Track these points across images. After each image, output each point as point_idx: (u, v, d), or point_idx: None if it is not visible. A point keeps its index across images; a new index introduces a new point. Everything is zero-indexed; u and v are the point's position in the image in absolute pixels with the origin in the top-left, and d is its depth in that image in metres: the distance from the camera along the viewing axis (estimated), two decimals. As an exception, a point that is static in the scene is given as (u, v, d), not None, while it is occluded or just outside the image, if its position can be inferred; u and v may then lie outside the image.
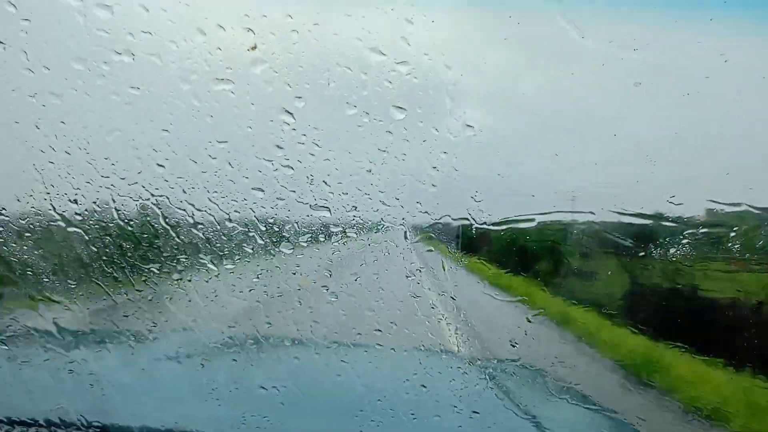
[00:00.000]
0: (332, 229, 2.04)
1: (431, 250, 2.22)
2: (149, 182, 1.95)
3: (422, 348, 2.27)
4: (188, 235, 2.09)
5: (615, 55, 1.67)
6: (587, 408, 2.11)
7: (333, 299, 2.15)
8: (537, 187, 2.09)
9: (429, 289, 2.31)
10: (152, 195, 1.97)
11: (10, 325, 2.21)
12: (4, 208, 2.07)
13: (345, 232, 2.01)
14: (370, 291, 2.24)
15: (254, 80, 1.76)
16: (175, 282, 2.19)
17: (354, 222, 2.03)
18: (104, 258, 2.14)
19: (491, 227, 2.02)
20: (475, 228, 2.00)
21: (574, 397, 2.11)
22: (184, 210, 2.00)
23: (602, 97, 1.93)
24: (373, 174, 1.85)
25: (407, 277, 2.25)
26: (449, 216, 2.04)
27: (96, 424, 1.93)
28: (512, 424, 2.05)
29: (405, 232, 2.19)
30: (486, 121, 1.89)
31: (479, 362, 2.23)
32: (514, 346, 2.06)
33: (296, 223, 2.01)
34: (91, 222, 2.05)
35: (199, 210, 1.99)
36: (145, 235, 2.11)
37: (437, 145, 1.81)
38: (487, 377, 2.20)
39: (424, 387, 2.13)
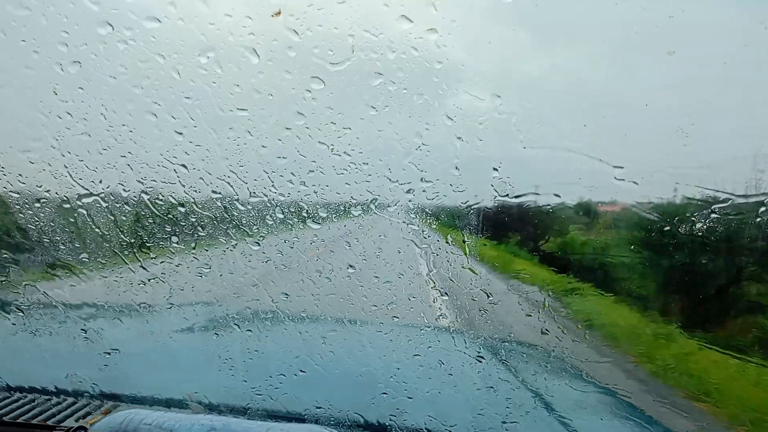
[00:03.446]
0: (353, 202, 2.08)
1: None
2: (167, 150, 2.00)
3: (436, 325, 2.34)
4: (206, 206, 2.15)
5: (649, 21, 1.68)
6: (596, 390, 2.17)
7: (351, 271, 2.21)
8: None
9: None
10: (171, 163, 2.02)
11: (25, 293, 2.29)
12: (20, 175, 2.13)
13: (368, 205, 2.06)
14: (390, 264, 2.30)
15: (277, 46, 1.80)
16: (192, 253, 2.25)
17: (372, 196, 2.07)
18: (121, 226, 2.20)
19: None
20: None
21: (582, 380, 2.18)
22: (202, 179, 2.06)
23: (634, 66, 1.94)
24: (397, 144, 1.89)
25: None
26: (472, 194, 2.07)
27: (109, 392, 2.02)
28: (526, 401, 2.12)
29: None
30: (509, 93, 1.91)
31: (494, 341, 2.28)
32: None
33: (315, 193, 2.05)
34: (107, 190, 2.11)
35: (218, 179, 2.05)
36: (162, 205, 2.16)
37: (462, 114, 1.84)
38: (502, 356, 2.26)
39: (441, 363, 2.19)
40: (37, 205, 2.19)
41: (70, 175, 2.07)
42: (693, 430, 2.14)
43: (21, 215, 2.21)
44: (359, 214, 2.12)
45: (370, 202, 2.04)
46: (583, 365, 2.16)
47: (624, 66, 2.07)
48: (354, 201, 2.05)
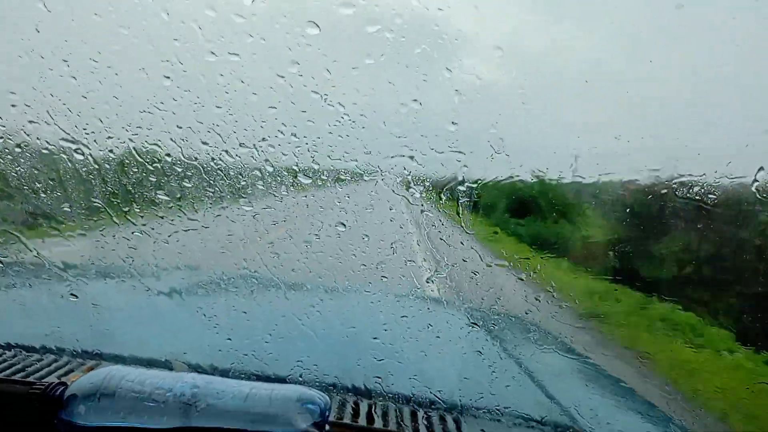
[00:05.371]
0: (345, 155, 2.00)
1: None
2: (154, 95, 1.90)
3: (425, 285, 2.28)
4: (194, 155, 2.06)
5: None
6: (575, 359, 2.16)
7: (342, 229, 2.14)
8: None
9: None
10: (158, 110, 1.92)
11: (5, 244, 2.19)
12: (0, 117, 2.02)
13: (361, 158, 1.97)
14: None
15: (271, -14, 1.70)
16: (178, 205, 2.16)
17: (366, 149, 1.99)
18: (104, 174, 2.11)
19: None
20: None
21: (560, 348, 2.16)
22: (191, 127, 1.96)
23: (642, 45, 1.86)
24: (394, 95, 1.81)
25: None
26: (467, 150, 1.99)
27: (92, 350, 1.95)
28: (512, 367, 2.10)
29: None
30: (510, 46, 1.83)
31: (480, 312, 2.24)
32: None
33: (306, 144, 1.97)
34: (91, 134, 2.01)
35: (208, 130, 1.95)
36: (148, 153, 2.07)
37: (460, 66, 1.76)
38: (490, 321, 2.22)
39: (429, 325, 2.15)
40: (18, 150, 2.08)
41: (52, 119, 1.96)
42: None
43: (0, 160, 2.10)
44: (351, 168, 2.04)
45: (364, 155, 1.96)
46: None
47: (631, 44, 2.00)
48: (347, 154, 1.97)
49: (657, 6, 1.82)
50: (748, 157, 1.74)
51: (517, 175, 2.01)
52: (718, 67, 1.91)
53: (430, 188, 2.07)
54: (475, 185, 2.01)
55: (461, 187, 1.96)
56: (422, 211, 2.10)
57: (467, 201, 1.99)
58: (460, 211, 2.00)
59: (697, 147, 1.84)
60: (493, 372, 2.03)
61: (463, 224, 2.00)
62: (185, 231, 2.13)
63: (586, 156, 1.95)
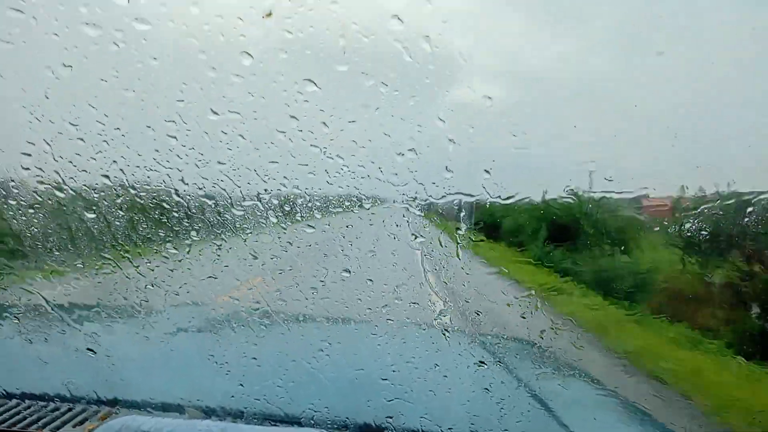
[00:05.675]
0: (346, 204, 2.04)
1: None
2: (160, 154, 1.96)
3: (430, 326, 2.29)
4: (200, 209, 2.11)
5: (638, 22, 1.65)
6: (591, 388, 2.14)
7: (346, 275, 2.18)
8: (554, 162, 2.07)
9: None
10: (163, 167, 1.98)
11: (21, 299, 2.24)
12: (12, 180, 2.09)
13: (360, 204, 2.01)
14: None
15: (269, 48, 1.77)
16: (187, 258, 2.20)
17: (365, 198, 2.03)
18: (115, 231, 2.16)
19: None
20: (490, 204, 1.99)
21: (578, 375, 2.14)
22: (195, 183, 2.02)
23: (623, 66, 1.91)
24: (390, 145, 1.86)
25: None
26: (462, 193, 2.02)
27: (106, 398, 1.97)
28: (521, 403, 2.09)
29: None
30: (501, 93, 1.88)
31: (487, 339, 2.24)
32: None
33: (308, 196, 2.01)
34: (101, 193, 2.06)
35: (212, 184, 2.00)
36: (156, 209, 2.12)
37: (453, 116, 1.81)
38: (496, 356, 2.22)
39: (436, 365, 2.15)
40: (31, 211, 2.14)
41: (63, 181, 2.02)
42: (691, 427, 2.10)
43: (14, 221, 2.17)
44: (353, 216, 2.08)
45: (362, 202, 2.00)
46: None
47: (619, 62, 2.03)
48: (347, 204, 2.01)
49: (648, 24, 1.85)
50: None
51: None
52: (719, 79, 1.92)
53: (429, 233, 2.10)
54: (476, 224, 2.04)
55: (460, 231, 2.00)
56: (424, 255, 2.13)
57: (465, 244, 2.02)
58: (460, 254, 2.03)
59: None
60: (502, 408, 2.03)
61: (463, 267, 2.03)
62: (194, 280, 2.17)
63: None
